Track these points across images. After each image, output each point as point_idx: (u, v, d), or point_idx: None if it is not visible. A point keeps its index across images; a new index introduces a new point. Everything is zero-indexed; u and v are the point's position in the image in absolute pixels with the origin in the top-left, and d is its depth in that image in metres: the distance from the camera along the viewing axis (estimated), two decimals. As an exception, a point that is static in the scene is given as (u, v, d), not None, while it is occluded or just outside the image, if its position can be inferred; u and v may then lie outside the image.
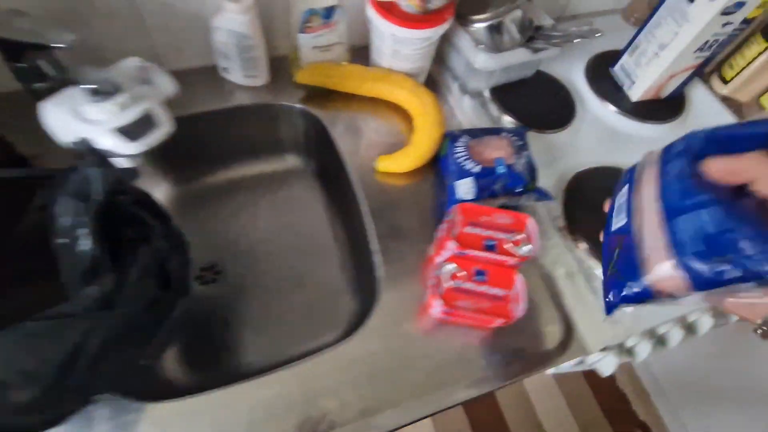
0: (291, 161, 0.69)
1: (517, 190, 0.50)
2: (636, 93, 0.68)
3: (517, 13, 0.58)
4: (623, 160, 0.61)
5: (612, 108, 0.68)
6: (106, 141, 0.33)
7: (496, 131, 0.56)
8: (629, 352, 0.57)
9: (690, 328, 0.59)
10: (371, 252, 0.51)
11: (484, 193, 0.50)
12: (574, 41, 0.59)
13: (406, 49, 0.57)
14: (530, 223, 0.45)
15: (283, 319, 0.59)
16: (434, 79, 0.68)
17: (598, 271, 0.52)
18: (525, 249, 0.44)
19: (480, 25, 0.59)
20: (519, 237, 0.44)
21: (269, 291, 0.60)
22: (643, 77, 0.66)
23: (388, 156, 0.56)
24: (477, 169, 0.50)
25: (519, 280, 0.44)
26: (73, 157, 0.40)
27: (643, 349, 0.55)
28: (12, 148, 0.49)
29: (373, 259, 0.51)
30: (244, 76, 0.59)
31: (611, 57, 0.72)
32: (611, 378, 1.38)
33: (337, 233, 0.64)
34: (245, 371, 0.54)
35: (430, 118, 0.56)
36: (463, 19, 0.60)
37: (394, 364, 0.44)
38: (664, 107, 0.70)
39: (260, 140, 0.65)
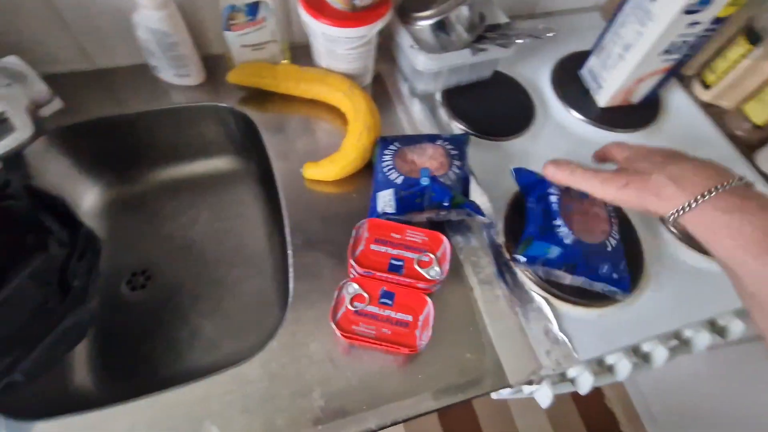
0: (231, 164, 0.67)
1: (443, 204, 0.46)
2: (603, 98, 0.62)
3: (464, 11, 0.53)
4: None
5: (576, 114, 0.63)
6: (-48, 146, 0.31)
7: (432, 138, 0.51)
8: (572, 382, 0.52)
9: (645, 358, 0.54)
10: (288, 265, 0.48)
11: (406, 206, 0.46)
12: (518, 41, 0.54)
13: (339, 48, 0.53)
14: (445, 242, 0.41)
15: (209, 329, 0.56)
16: (385, 80, 0.64)
17: (534, 293, 0.48)
18: (433, 272, 0.40)
19: (424, 23, 0.55)
20: (428, 258, 0.40)
21: (200, 299, 0.58)
22: (609, 81, 0.60)
23: (314, 163, 0.52)
24: (399, 179, 0.46)
25: (428, 305, 0.40)
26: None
27: (586, 380, 0.50)
28: None
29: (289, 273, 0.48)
30: (174, 75, 0.56)
31: (583, 58, 0.67)
32: (599, 395, 1.31)
33: (273, 242, 0.62)
34: (158, 383, 0.52)
35: (361, 123, 0.52)
36: (406, 16, 0.56)
37: (291, 389, 0.41)
38: (635, 114, 0.64)
39: (197, 142, 0.63)
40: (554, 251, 0.44)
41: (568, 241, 0.44)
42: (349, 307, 0.39)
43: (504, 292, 0.48)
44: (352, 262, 0.40)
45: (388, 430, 0.42)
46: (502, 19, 0.59)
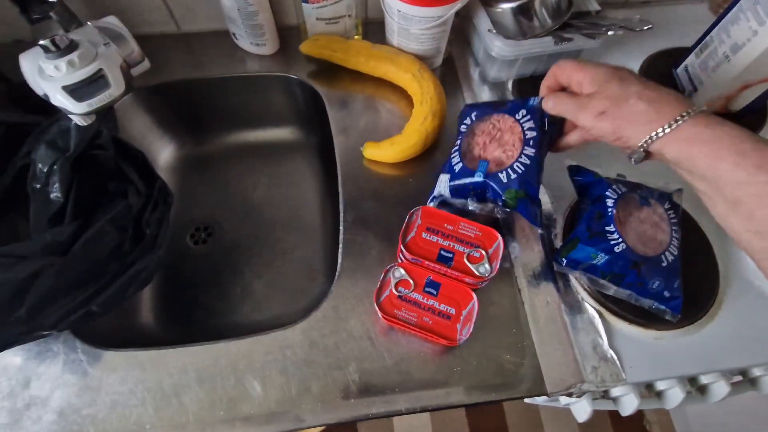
0: (295, 134, 0.68)
1: (497, 203, 0.44)
2: (698, 103, 0.56)
3: (551, -5, 0.50)
4: (663, 176, 0.51)
5: (662, 117, 0.57)
6: (57, 98, 0.35)
7: (515, 109, 0.47)
8: (614, 401, 0.50)
9: (701, 391, 0.50)
10: (339, 240, 0.49)
11: (459, 195, 0.44)
12: (609, 33, 0.50)
13: (414, 27, 0.52)
14: (498, 240, 0.40)
15: (260, 289, 0.60)
16: (455, 63, 0.62)
17: (587, 304, 0.45)
18: (482, 269, 0.39)
19: (506, 6, 0.52)
20: (479, 254, 0.39)
21: (253, 259, 0.62)
22: (708, 84, 0.54)
23: (375, 143, 0.52)
24: (458, 167, 0.45)
25: (473, 301, 0.39)
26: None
27: (630, 402, 0.47)
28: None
29: (338, 247, 0.49)
30: (251, 43, 0.58)
31: (678, 56, 0.60)
32: (638, 415, 1.24)
33: (326, 214, 0.63)
34: (210, 332, 0.56)
35: (427, 107, 0.51)
36: (487, -2, 0.53)
37: (328, 360, 0.43)
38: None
39: (266, 110, 0.65)
40: (600, 258, 0.42)
41: (618, 249, 0.41)
42: (394, 291, 0.40)
43: (554, 298, 0.46)
44: (401, 247, 0.40)
45: (415, 416, 0.42)
46: (593, 6, 0.54)
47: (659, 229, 0.43)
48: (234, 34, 0.59)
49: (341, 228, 0.49)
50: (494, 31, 0.51)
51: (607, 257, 0.41)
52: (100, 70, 0.35)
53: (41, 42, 0.33)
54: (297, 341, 0.43)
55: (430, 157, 0.54)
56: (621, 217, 0.43)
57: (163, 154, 0.65)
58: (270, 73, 0.60)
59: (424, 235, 0.41)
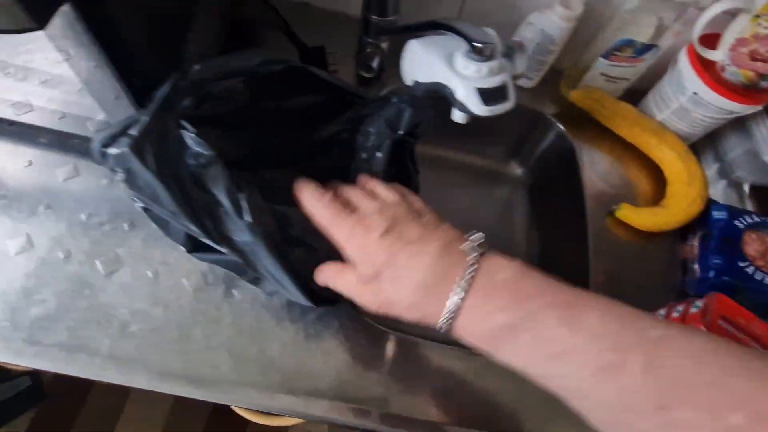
0: (513, 167, 0.70)
1: None
2: None
3: None
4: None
5: None
6: (463, 94, 0.36)
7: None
8: None
9: None
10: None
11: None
12: None
13: (699, 111, 0.53)
14: (792, 350, 0.41)
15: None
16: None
17: None
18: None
19: None
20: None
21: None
22: None
23: (631, 206, 0.53)
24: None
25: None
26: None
27: None
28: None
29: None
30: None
31: None
32: None
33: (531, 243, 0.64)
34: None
35: (695, 190, 0.52)
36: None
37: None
38: None
39: (498, 137, 0.67)
40: None
41: None
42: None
43: None
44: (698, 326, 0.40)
45: None
46: None
47: None
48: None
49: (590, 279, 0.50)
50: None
51: None
52: (507, 81, 0.37)
53: (475, 43, 0.35)
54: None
55: (672, 236, 0.55)
56: None
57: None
58: (531, 107, 0.62)
59: (720, 322, 0.41)
